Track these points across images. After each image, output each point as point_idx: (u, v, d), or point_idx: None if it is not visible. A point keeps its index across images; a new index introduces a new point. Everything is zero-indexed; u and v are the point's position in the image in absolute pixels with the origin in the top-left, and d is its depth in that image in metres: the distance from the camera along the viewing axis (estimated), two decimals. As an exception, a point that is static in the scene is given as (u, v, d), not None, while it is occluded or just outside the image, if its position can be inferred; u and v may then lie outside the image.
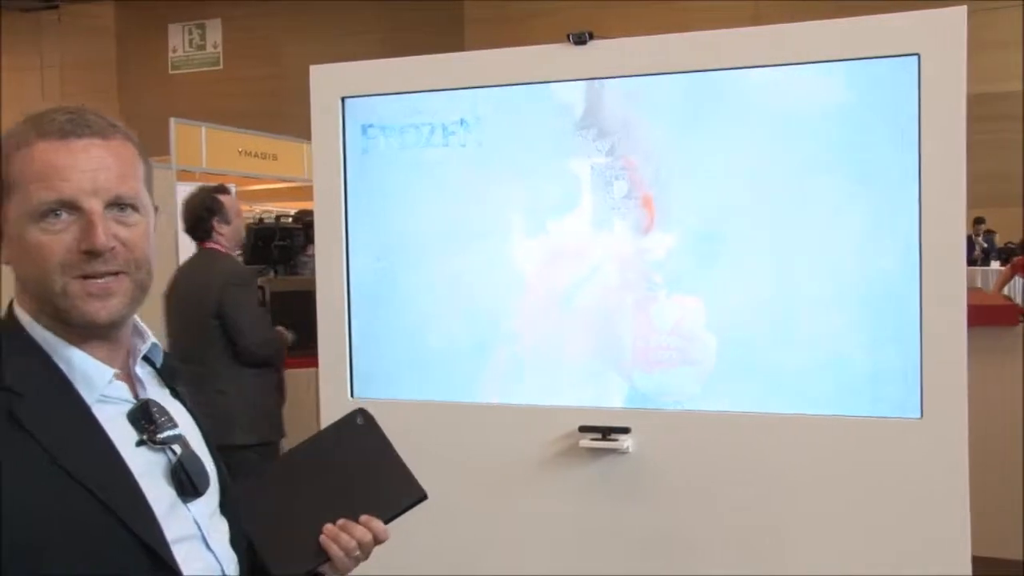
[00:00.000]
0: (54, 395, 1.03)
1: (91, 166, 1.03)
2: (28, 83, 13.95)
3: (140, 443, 1.07)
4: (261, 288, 3.75)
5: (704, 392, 2.06)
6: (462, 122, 2.20)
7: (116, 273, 1.04)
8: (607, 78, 2.09)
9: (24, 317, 1.06)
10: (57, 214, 1.01)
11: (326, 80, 2.31)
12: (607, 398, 2.12)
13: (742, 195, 2.03)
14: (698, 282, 2.05)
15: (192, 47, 14.08)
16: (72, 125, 1.04)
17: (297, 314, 3.47)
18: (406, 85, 2.24)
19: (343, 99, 2.28)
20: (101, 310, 1.04)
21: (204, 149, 6.12)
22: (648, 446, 2.09)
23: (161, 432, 1.09)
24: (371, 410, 1.32)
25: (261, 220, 5.10)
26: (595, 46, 2.10)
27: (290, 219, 5.23)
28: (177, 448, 1.11)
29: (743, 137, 2.02)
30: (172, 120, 6.03)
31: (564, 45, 2.12)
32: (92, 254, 1.02)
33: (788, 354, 2.00)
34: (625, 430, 2.09)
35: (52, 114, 1.05)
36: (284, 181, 7.35)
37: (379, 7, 12.75)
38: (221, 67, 14.04)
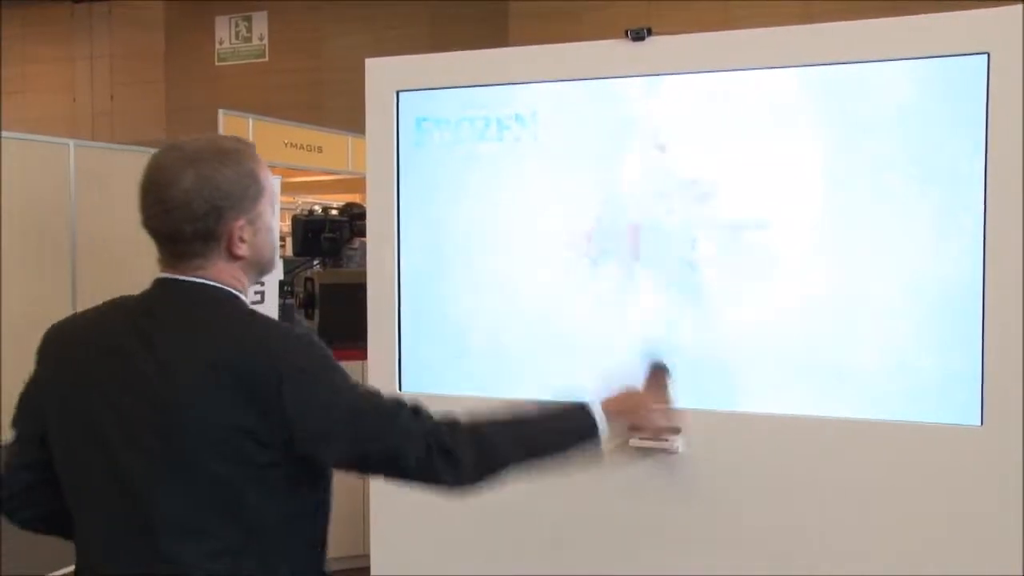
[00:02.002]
0: None
1: None
2: (79, 72, 14.25)
3: None
4: (310, 280, 3.77)
5: (757, 393, 2.04)
6: (517, 117, 2.19)
7: None
8: (666, 74, 2.07)
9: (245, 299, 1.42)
10: None
11: (381, 73, 2.32)
12: (658, 397, 2.10)
13: (806, 193, 2.00)
14: (759, 280, 2.02)
15: (238, 39, 14.20)
16: None
17: (345, 306, 3.48)
18: (461, 79, 2.24)
19: (398, 92, 2.28)
20: None
21: (251, 141, 6.17)
22: (699, 447, 2.07)
23: None
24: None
25: (311, 212, 5.13)
26: (654, 42, 2.08)
27: (335, 211, 5.26)
28: None
29: (808, 135, 1.99)
30: (220, 112, 6.10)
31: (622, 41, 2.10)
32: None
33: (847, 356, 1.97)
34: (675, 430, 2.07)
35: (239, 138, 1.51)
36: (329, 173, 7.41)
37: (423, 2, 12.77)
38: (267, 59, 14.15)
